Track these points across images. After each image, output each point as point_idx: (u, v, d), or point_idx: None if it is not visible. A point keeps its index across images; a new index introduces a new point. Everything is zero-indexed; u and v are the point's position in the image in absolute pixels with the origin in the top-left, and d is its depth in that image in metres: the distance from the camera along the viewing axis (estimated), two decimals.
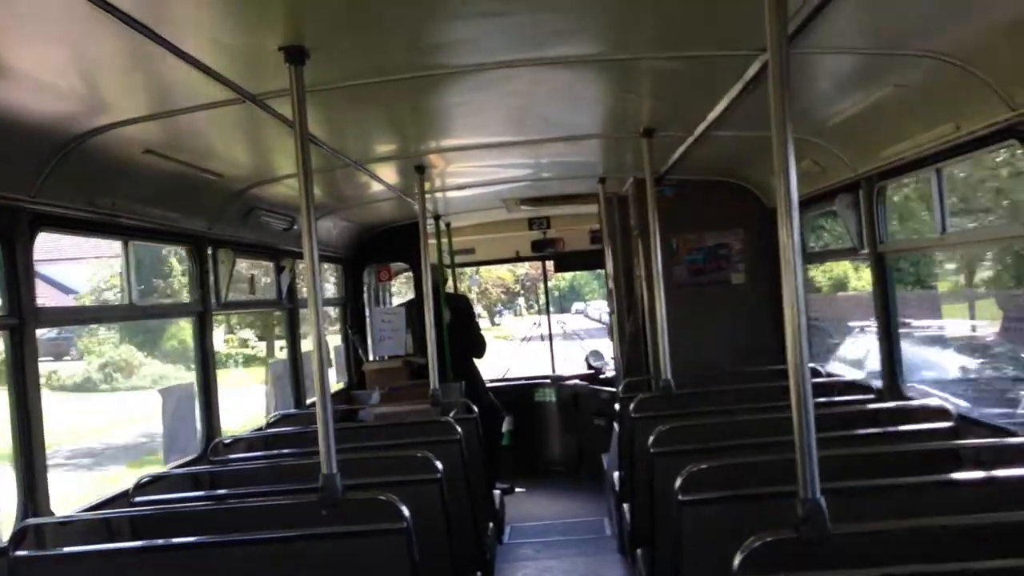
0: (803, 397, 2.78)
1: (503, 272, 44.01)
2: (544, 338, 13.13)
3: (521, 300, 55.22)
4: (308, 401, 7.71)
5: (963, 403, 6.45)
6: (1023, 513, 3.29)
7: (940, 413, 4.82)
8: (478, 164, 7.19)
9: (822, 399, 5.61)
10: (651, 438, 4.78)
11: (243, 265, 6.68)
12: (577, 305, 55.52)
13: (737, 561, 2.73)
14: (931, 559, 2.86)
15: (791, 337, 2.82)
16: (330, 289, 9.89)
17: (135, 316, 6.25)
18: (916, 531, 3.16)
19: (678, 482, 3.80)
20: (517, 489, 10.39)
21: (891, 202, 5.66)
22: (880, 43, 3.88)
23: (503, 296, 53.36)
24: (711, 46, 4.03)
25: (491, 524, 6.63)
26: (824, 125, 5.16)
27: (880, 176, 5.41)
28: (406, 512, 3.66)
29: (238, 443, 6.07)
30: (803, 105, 4.75)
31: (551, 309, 13.34)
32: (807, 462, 2.75)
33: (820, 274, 11.71)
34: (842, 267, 12.13)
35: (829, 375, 6.91)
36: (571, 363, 13.72)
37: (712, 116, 5.10)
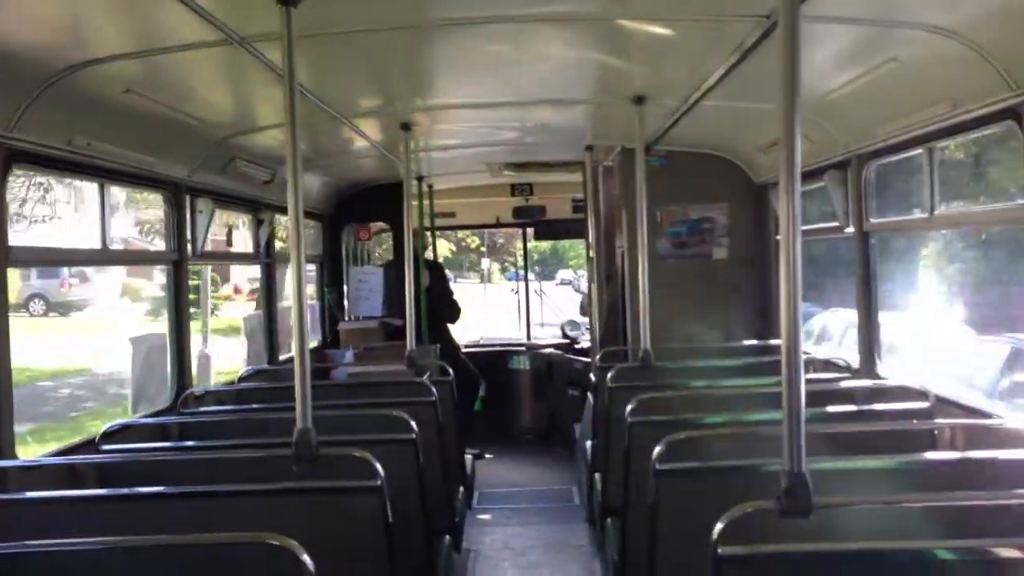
0: (794, 370, 2.75)
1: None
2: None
3: (486, 262, 43.49)
4: (281, 358, 7.63)
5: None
6: (998, 493, 3.30)
7: (917, 393, 4.83)
8: (464, 124, 7.09)
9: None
10: (629, 407, 4.74)
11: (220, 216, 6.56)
12: (563, 273, 44.40)
13: (717, 531, 2.70)
14: (905, 538, 2.85)
15: (785, 310, 2.78)
16: (307, 246, 9.74)
17: (108, 260, 6.15)
18: (893, 510, 3.16)
19: (656, 451, 3.77)
20: (487, 455, 10.37)
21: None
22: (883, 13, 3.82)
23: (469, 255, 43.06)
24: (710, 10, 3.96)
25: (461, 488, 6.60)
26: (817, 100, 5.10)
27: (871, 155, 5.38)
28: (381, 470, 3.60)
29: (209, 396, 5.99)
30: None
31: (529, 276, 13.10)
32: (795, 435, 2.72)
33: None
34: None
35: (806, 352, 6.90)
36: None
37: (706, 85, 5.02)
